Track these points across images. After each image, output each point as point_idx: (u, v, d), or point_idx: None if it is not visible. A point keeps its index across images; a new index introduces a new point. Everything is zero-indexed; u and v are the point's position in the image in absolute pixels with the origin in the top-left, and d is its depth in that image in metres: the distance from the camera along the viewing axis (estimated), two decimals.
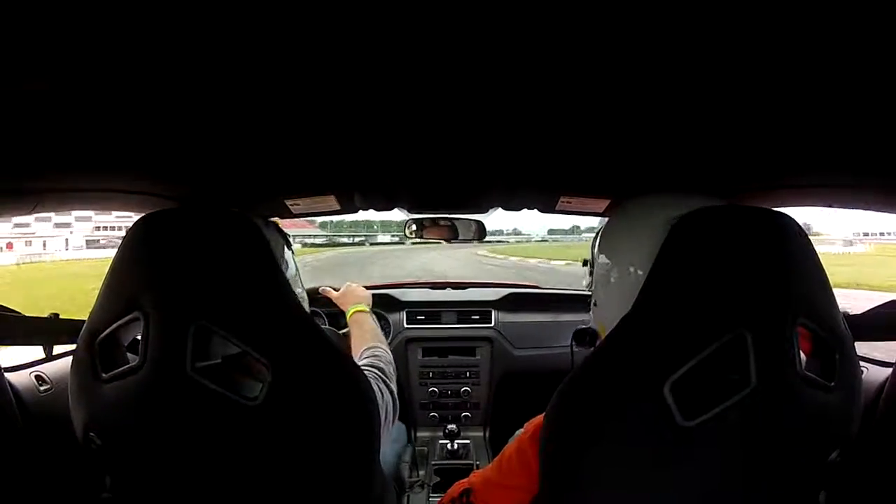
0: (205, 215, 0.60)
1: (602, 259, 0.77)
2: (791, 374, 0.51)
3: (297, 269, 0.90)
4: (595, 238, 0.83)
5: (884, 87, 0.52)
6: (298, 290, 0.90)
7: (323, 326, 1.48)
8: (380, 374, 0.92)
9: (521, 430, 0.72)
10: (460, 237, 1.76)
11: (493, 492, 0.71)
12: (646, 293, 0.58)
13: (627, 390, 0.53)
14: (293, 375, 0.56)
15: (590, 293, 0.84)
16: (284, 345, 0.57)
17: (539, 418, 0.69)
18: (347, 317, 1.23)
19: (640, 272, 0.67)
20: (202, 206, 0.61)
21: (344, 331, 1.32)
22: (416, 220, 1.72)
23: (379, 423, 0.68)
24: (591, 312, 0.82)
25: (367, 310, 1.24)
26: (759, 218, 0.58)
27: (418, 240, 1.78)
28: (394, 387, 0.92)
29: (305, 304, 0.92)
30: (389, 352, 1.04)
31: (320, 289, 1.43)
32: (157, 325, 0.53)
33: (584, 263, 0.87)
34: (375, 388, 0.89)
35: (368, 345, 1.04)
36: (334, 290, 1.39)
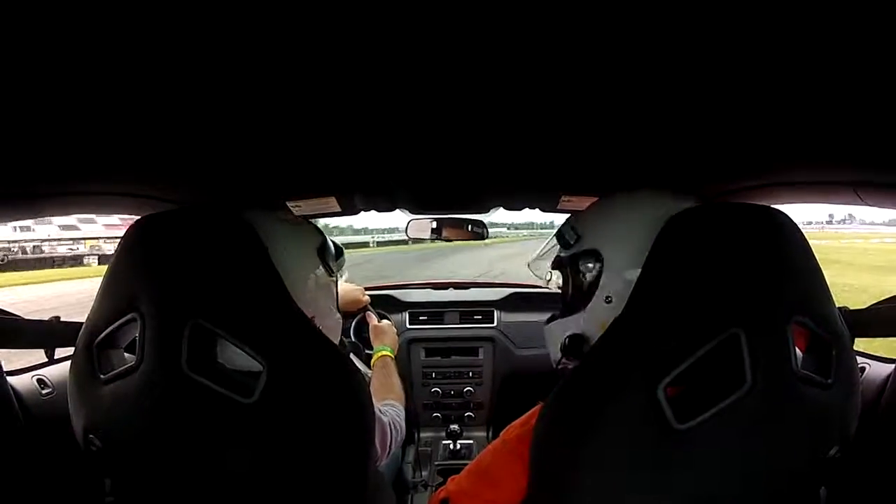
0: (199, 217, 0.60)
1: (612, 256, 0.74)
2: (786, 372, 0.50)
3: (331, 290, 0.86)
4: (578, 232, 0.80)
5: (878, 82, 0.52)
6: (334, 316, 0.87)
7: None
8: (389, 420, 0.99)
9: (498, 438, 0.71)
10: (483, 237, 1.78)
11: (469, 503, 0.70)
12: (638, 293, 0.57)
13: (621, 393, 0.52)
14: (289, 374, 0.56)
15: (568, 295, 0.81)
16: (280, 343, 0.57)
17: (516, 427, 0.68)
18: (375, 355, 1.31)
19: (629, 273, 0.67)
20: (198, 207, 0.62)
21: (361, 366, 1.39)
22: (436, 219, 1.72)
23: (373, 422, 0.69)
24: (584, 313, 0.77)
25: (394, 356, 1.33)
26: (754, 214, 0.57)
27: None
28: (395, 441, 1.01)
29: (334, 333, 0.89)
30: (404, 412, 1.11)
31: (368, 310, 1.48)
32: (153, 324, 0.53)
33: (556, 265, 0.83)
34: (377, 408, 0.93)
35: (390, 402, 1.12)
36: (376, 317, 1.47)
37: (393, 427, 1.00)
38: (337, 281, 0.90)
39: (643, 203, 0.72)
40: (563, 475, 0.55)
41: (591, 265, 0.77)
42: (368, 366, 1.32)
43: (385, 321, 1.46)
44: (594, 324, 0.77)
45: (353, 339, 1.53)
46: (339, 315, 0.90)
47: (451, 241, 1.81)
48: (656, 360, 0.51)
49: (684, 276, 0.55)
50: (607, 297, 0.74)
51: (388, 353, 1.31)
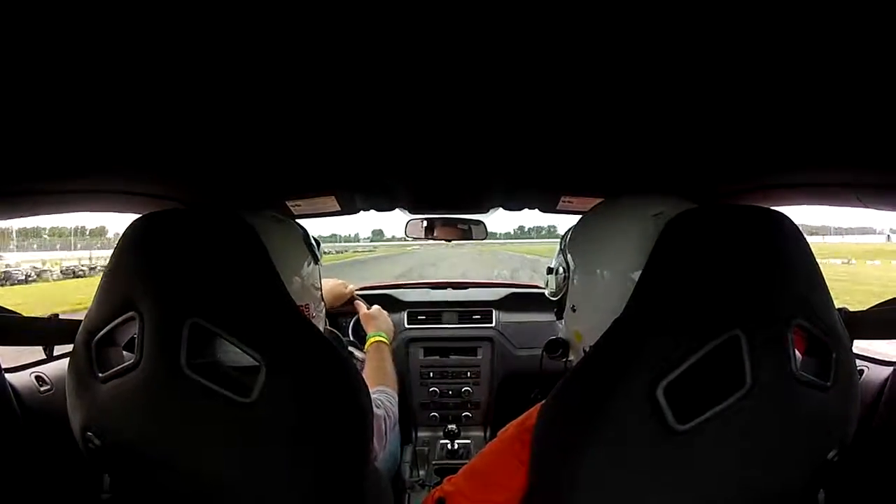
0: (198, 215, 0.60)
1: (582, 263, 0.75)
2: (786, 375, 0.50)
3: (316, 281, 0.90)
4: (564, 242, 0.81)
5: (876, 83, 0.52)
6: (318, 306, 0.90)
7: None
8: (384, 412, 0.98)
9: (496, 439, 0.71)
10: (474, 237, 1.76)
11: None
12: (638, 294, 0.57)
13: (621, 393, 0.52)
14: (287, 372, 0.56)
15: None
16: (278, 342, 0.57)
17: (513, 428, 0.68)
18: (368, 341, 1.26)
19: (630, 275, 0.67)
20: (197, 206, 0.62)
21: (360, 355, 1.35)
22: (427, 219, 1.70)
23: (373, 420, 0.68)
24: (563, 320, 0.80)
25: (389, 341, 1.27)
26: (755, 217, 0.57)
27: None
28: (390, 429, 0.99)
29: (322, 320, 0.92)
30: (396, 398, 1.08)
31: (355, 301, 1.44)
32: (152, 323, 0.53)
33: (549, 272, 0.84)
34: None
35: (382, 388, 1.08)
36: (366, 305, 1.41)
37: (387, 415, 0.99)
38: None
39: (619, 212, 0.72)
40: (563, 475, 0.55)
41: (562, 274, 0.78)
42: None
43: (375, 307, 1.41)
44: (569, 331, 0.79)
45: (351, 338, 1.53)
46: (324, 301, 0.94)
47: (449, 240, 1.80)
48: (657, 360, 0.51)
49: (685, 277, 0.55)
50: (573, 306, 0.77)
51: (382, 339, 1.26)
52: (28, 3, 0.38)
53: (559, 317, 0.83)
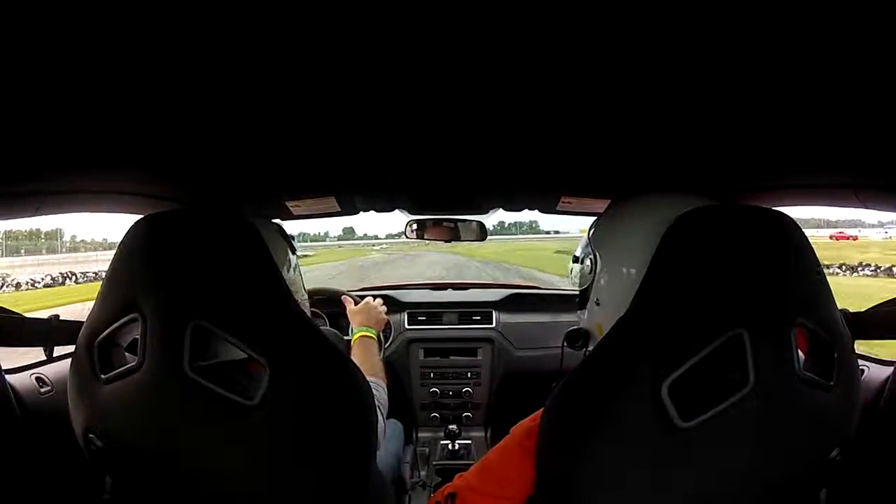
0: (202, 216, 0.60)
1: (608, 260, 0.76)
2: (789, 373, 0.50)
3: (299, 273, 0.92)
4: (589, 235, 0.83)
5: (881, 86, 0.52)
6: (301, 296, 0.91)
7: (323, 327, 1.48)
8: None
9: (508, 435, 0.71)
10: (462, 238, 1.74)
11: (477, 500, 0.70)
12: (643, 292, 0.58)
13: (625, 391, 0.53)
14: (291, 375, 0.56)
15: (578, 292, 0.85)
16: (282, 344, 0.57)
17: (525, 423, 0.68)
18: (353, 337, 1.23)
19: (620, 279, 0.68)
20: (200, 207, 0.61)
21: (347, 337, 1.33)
22: (417, 221, 1.70)
23: (376, 422, 0.68)
24: (586, 312, 0.82)
25: (374, 336, 1.23)
26: (758, 217, 0.58)
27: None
28: (383, 418, 0.96)
29: (306, 309, 0.94)
30: (386, 390, 1.05)
31: (343, 296, 1.43)
32: (155, 325, 0.53)
33: (575, 260, 0.86)
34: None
35: (369, 378, 1.04)
36: (354, 301, 1.37)
37: (380, 405, 0.97)
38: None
39: (655, 205, 0.72)
40: (567, 471, 0.55)
41: (588, 266, 0.80)
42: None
43: (367, 300, 1.37)
44: (591, 323, 0.81)
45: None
46: (303, 291, 0.95)
47: (448, 240, 1.80)
48: (661, 358, 0.51)
49: (689, 275, 0.55)
50: (597, 300, 0.78)
51: (368, 334, 1.22)
52: (30, 3, 0.38)
53: (581, 307, 0.84)
